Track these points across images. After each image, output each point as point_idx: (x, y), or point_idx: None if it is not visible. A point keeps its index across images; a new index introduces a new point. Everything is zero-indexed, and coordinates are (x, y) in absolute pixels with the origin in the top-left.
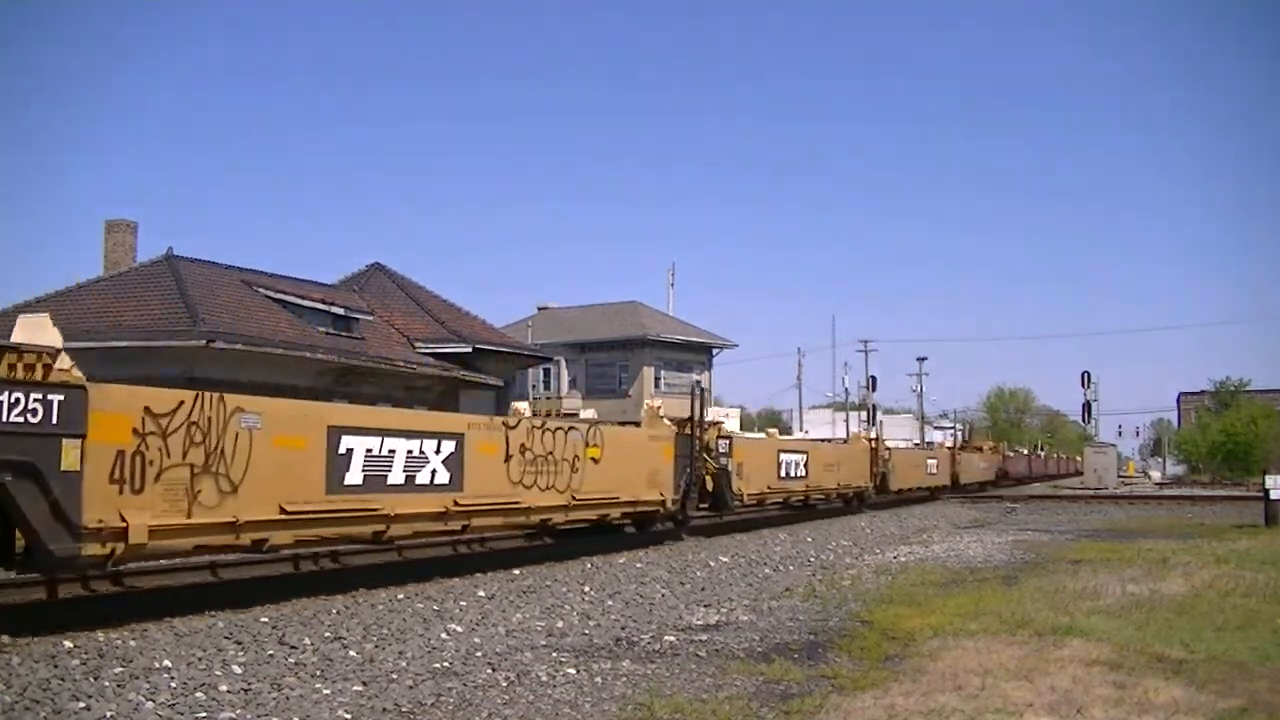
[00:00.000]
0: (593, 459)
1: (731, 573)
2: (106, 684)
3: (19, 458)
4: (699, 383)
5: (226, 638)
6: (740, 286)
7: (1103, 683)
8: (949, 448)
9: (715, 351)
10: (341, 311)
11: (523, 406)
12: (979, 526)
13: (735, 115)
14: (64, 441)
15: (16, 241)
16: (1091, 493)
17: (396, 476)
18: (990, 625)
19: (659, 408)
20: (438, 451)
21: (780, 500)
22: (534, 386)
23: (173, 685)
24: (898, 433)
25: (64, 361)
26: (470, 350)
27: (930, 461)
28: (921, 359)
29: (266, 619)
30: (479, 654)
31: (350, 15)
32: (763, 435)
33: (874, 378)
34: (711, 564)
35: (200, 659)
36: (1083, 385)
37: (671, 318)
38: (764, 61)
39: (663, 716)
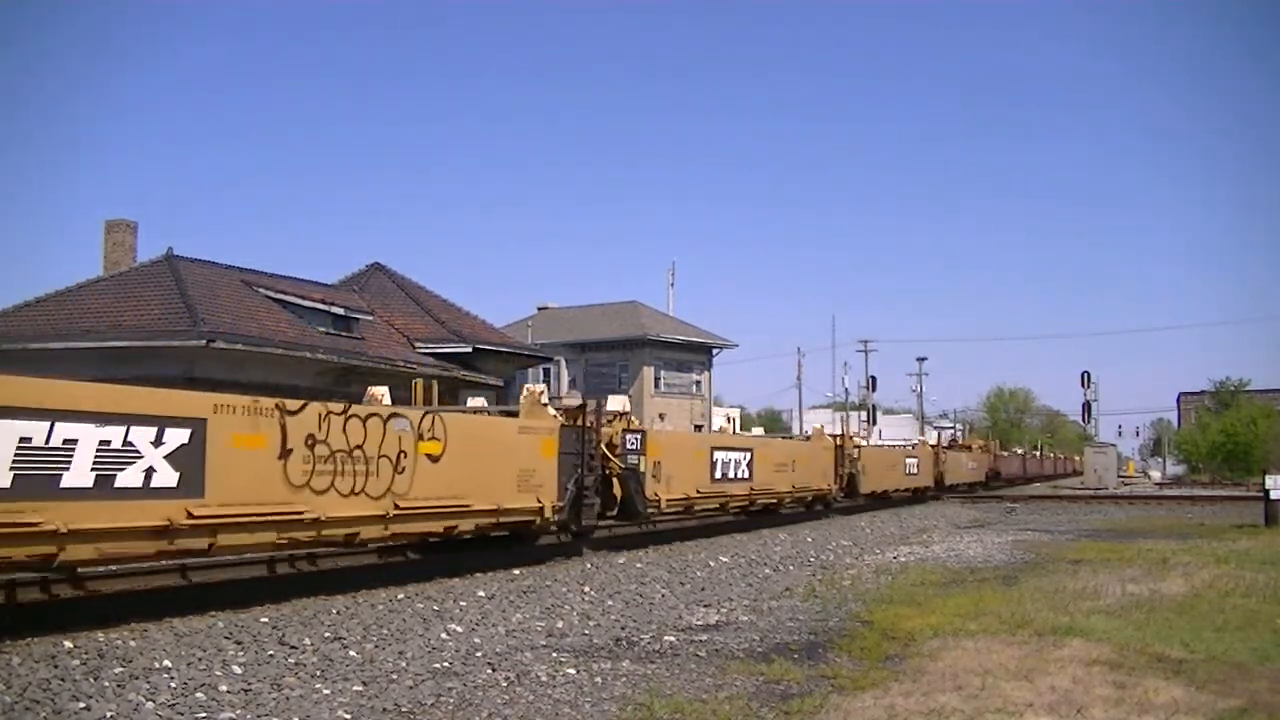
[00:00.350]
0: (428, 456)
1: (731, 573)
2: (106, 684)
3: None
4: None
5: (226, 638)
6: (740, 286)
7: (1103, 683)
8: (932, 446)
9: (715, 351)
10: (341, 311)
11: (380, 391)
12: (979, 526)
13: (735, 115)
14: None
15: (16, 241)
16: (1091, 493)
17: (79, 477)
18: (990, 625)
19: (541, 393)
20: (158, 443)
21: (715, 506)
22: None
23: (173, 685)
24: (898, 433)
25: None
26: (470, 350)
27: (909, 461)
28: (921, 359)
29: (266, 619)
30: (479, 654)
31: (350, 15)
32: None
33: (874, 378)
34: (711, 564)
35: (200, 659)
36: (1083, 385)
37: (671, 318)
38: (764, 61)
39: (663, 716)
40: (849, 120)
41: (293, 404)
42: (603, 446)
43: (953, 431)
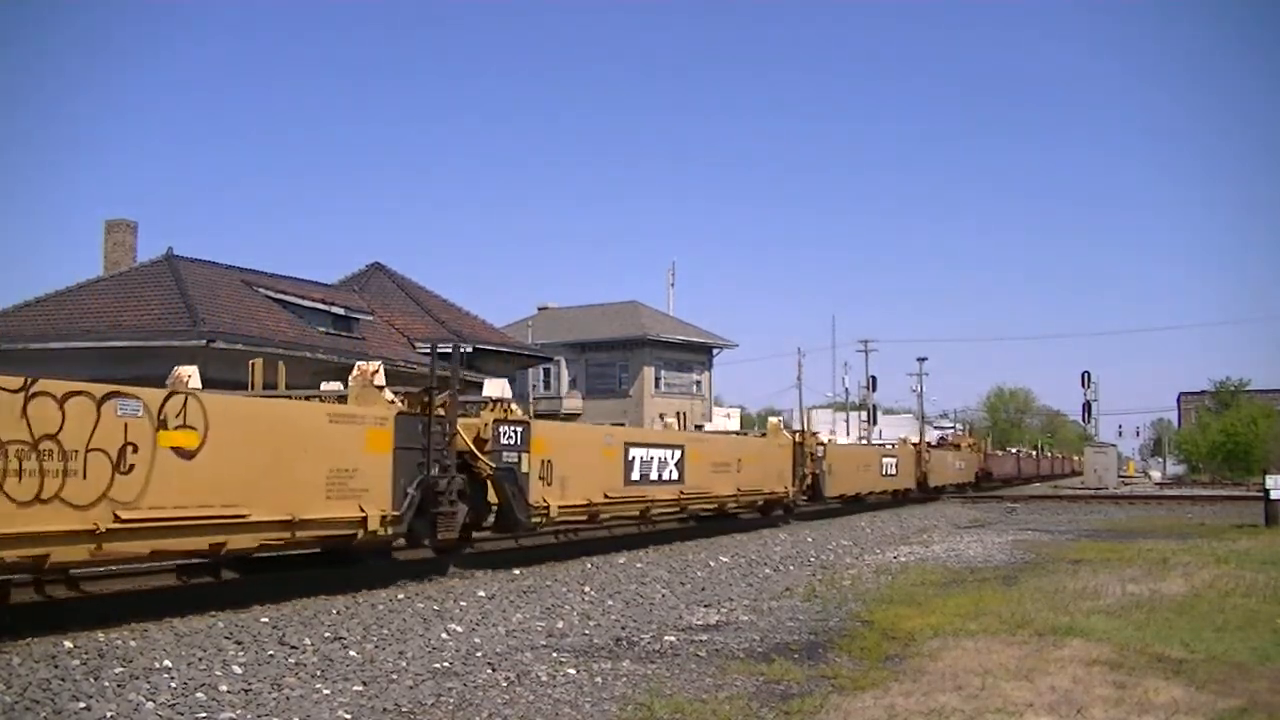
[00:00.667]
0: (177, 450)
1: (731, 573)
2: (106, 684)
3: None
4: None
5: (226, 638)
6: (740, 286)
7: (1103, 683)
8: (914, 444)
9: (715, 351)
10: (341, 311)
11: (187, 371)
12: (979, 526)
13: (736, 115)
14: None
15: (16, 241)
16: (1091, 493)
17: None
18: (990, 625)
19: (375, 372)
20: None
21: (634, 514)
22: (534, 386)
23: (173, 685)
24: (898, 433)
25: None
26: (470, 350)
27: (887, 461)
28: (921, 359)
29: (266, 619)
30: (479, 654)
31: (350, 15)
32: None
33: (874, 378)
34: (711, 564)
35: (200, 659)
36: (1083, 385)
37: (671, 318)
38: (764, 61)
39: (663, 716)
40: (849, 120)
41: None
42: (467, 441)
43: (954, 429)
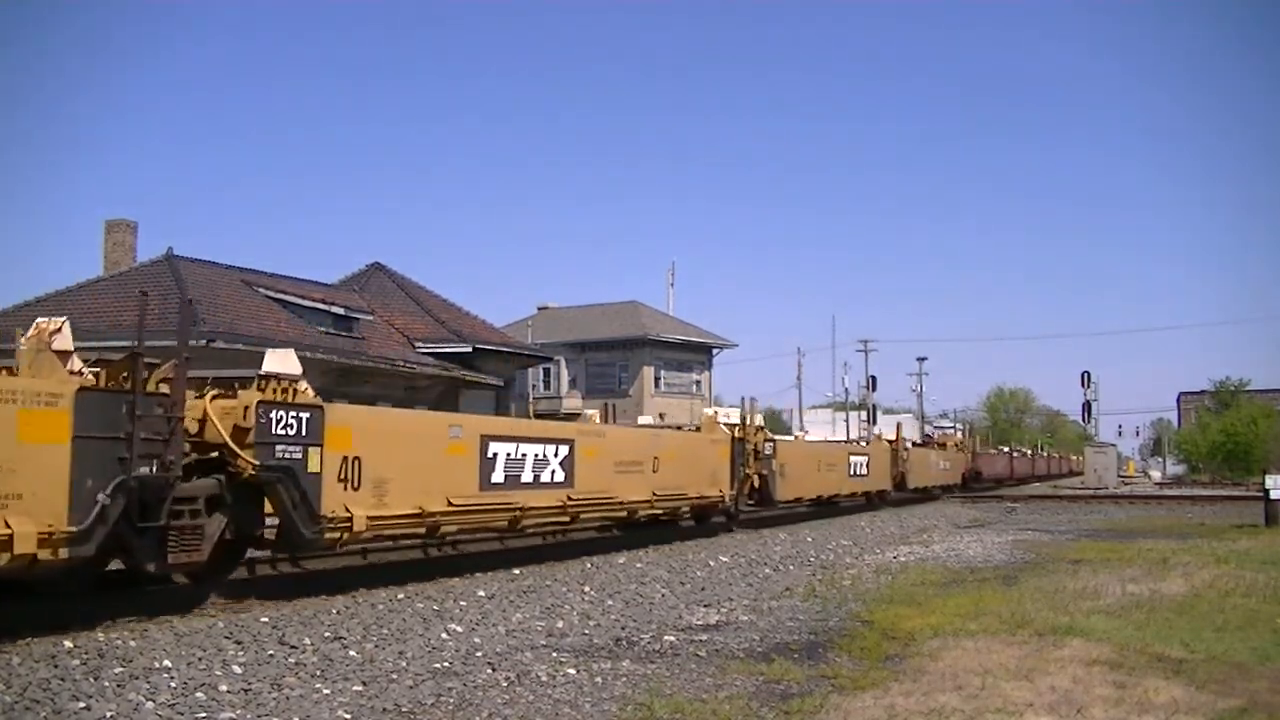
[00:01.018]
0: None
1: (731, 573)
2: (106, 684)
3: None
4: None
5: (226, 638)
6: (740, 286)
7: (1103, 682)
8: (890, 441)
9: (715, 351)
10: (341, 311)
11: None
12: (979, 526)
13: (735, 115)
14: None
15: (16, 241)
16: (1091, 493)
17: None
18: (990, 625)
19: (55, 331)
20: None
21: (499, 525)
22: (534, 386)
23: (173, 685)
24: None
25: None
26: (470, 350)
27: (856, 460)
28: (921, 359)
29: (266, 619)
30: (479, 654)
31: (350, 15)
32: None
33: (874, 378)
34: (711, 564)
35: (200, 659)
36: (1083, 385)
37: (671, 317)
38: (764, 61)
39: (663, 716)
40: (849, 120)
41: None
42: (221, 430)
43: (953, 429)
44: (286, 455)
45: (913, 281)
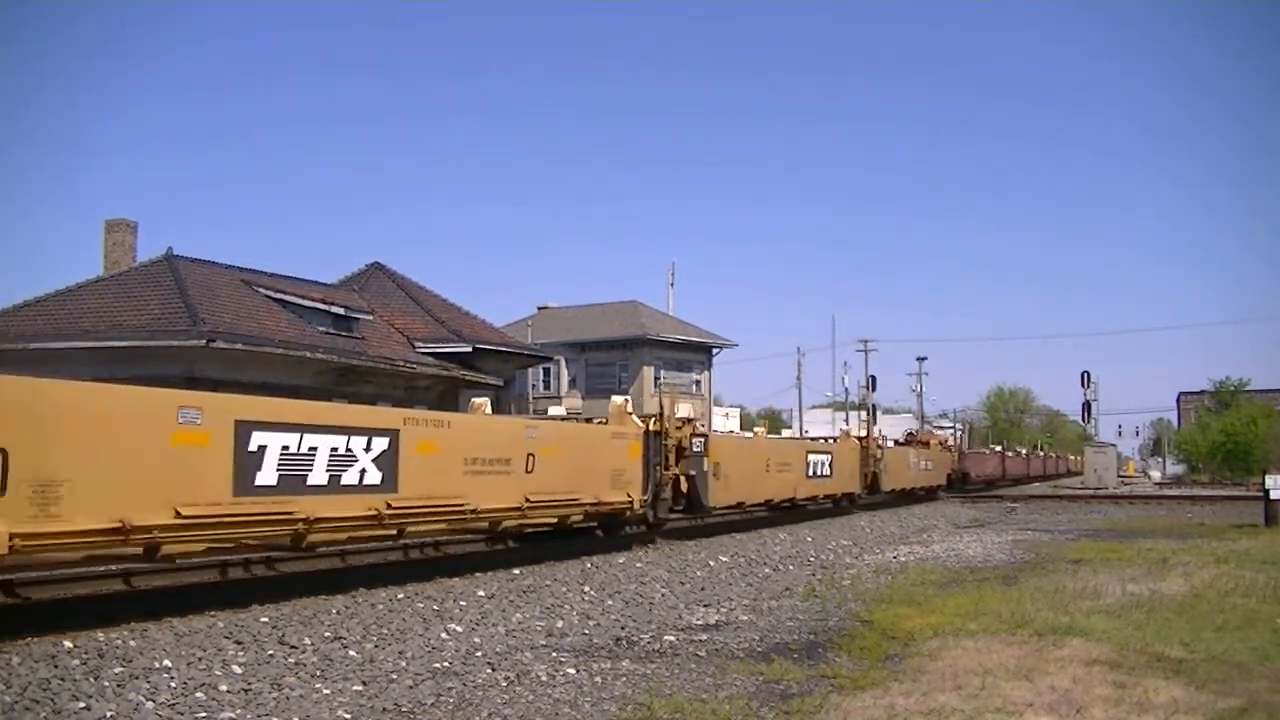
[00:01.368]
0: None
1: (731, 572)
2: (106, 684)
3: None
4: None
5: (226, 638)
6: (740, 286)
7: (1103, 682)
8: (859, 438)
9: (715, 351)
10: (341, 311)
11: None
12: (979, 526)
13: (735, 115)
14: None
15: (16, 241)
16: (1091, 492)
17: None
18: (990, 625)
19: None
20: None
21: (277, 544)
22: (534, 386)
23: (173, 685)
24: (899, 432)
25: None
26: (470, 350)
27: (817, 459)
28: (921, 359)
29: (266, 619)
30: (479, 654)
31: (350, 15)
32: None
33: (874, 378)
34: (711, 564)
35: (200, 659)
36: (1083, 385)
37: (671, 317)
38: (764, 61)
39: (663, 716)
40: (849, 120)
41: None
42: None
43: (953, 430)
44: None
45: (913, 281)
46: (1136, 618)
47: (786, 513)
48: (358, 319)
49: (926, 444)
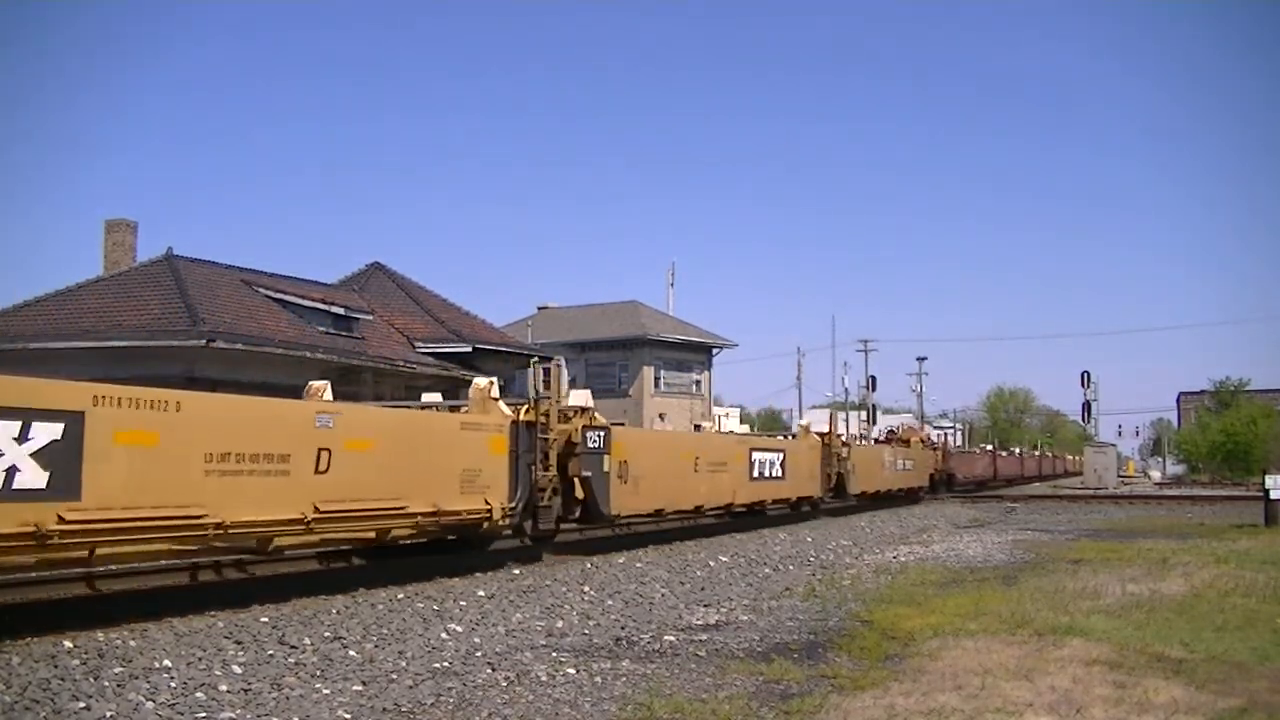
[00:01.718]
0: None
1: (731, 572)
2: (106, 684)
3: None
4: None
5: (226, 638)
6: (740, 286)
7: (1103, 682)
8: (820, 435)
9: (715, 351)
10: (341, 311)
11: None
12: (979, 526)
13: (735, 115)
14: None
15: (16, 241)
16: (1091, 493)
17: None
18: (990, 625)
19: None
20: None
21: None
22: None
23: (173, 685)
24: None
25: None
26: (470, 350)
27: (764, 458)
28: (921, 359)
29: (266, 619)
30: (479, 654)
31: (350, 15)
32: None
33: (874, 378)
34: (711, 564)
35: (200, 659)
36: (1083, 385)
37: (671, 317)
38: (764, 61)
39: (663, 716)
40: (849, 120)
41: None
42: None
43: (953, 430)
44: None
45: (913, 281)
46: (1136, 618)
47: (735, 519)
48: (358, 319)
49: (907, 442)
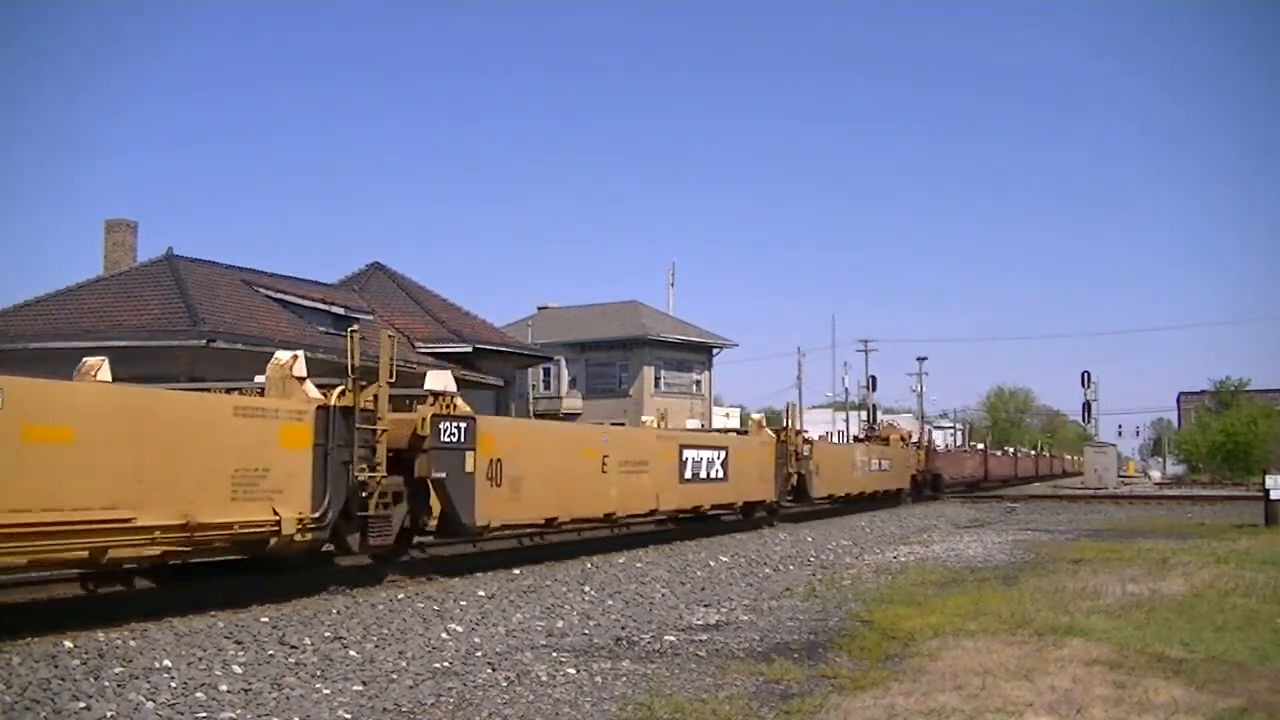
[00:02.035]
0: None
1: (731, 572)
2: (106, 684)
3: None
4: None
5: (226, 638)
6: (740, 286)
7: (1103, 682)
8: (776, 431)
9: (715, 351)
10: (341, 311)
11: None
12: (979, 526)
13: (736, 115)
14: None
15: (16, 241)
16: (1091, 493)
17: None
18: (990, 625)
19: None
20: None
21: None
22: (534, 386)
23: (173, 685)
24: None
25: None
26: (470, 350)
27: (697, 456)
28: (921, 359)
29: (266, 619)
30: (479, 654)
31: (350, 15)
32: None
33: (874, 378)
34: (711, 564)
35: (200, 659)
36: (1083, 385)
37: (671, 317)
38: (764, 61)
39: (663, 716)
40: (849, 120)
41: None
42: None
43: (953, 430)
44: None
45: (913, 281)
46: (1136, 618)
47: (686, 524)
48: (358, 319)
49: (886, 440)
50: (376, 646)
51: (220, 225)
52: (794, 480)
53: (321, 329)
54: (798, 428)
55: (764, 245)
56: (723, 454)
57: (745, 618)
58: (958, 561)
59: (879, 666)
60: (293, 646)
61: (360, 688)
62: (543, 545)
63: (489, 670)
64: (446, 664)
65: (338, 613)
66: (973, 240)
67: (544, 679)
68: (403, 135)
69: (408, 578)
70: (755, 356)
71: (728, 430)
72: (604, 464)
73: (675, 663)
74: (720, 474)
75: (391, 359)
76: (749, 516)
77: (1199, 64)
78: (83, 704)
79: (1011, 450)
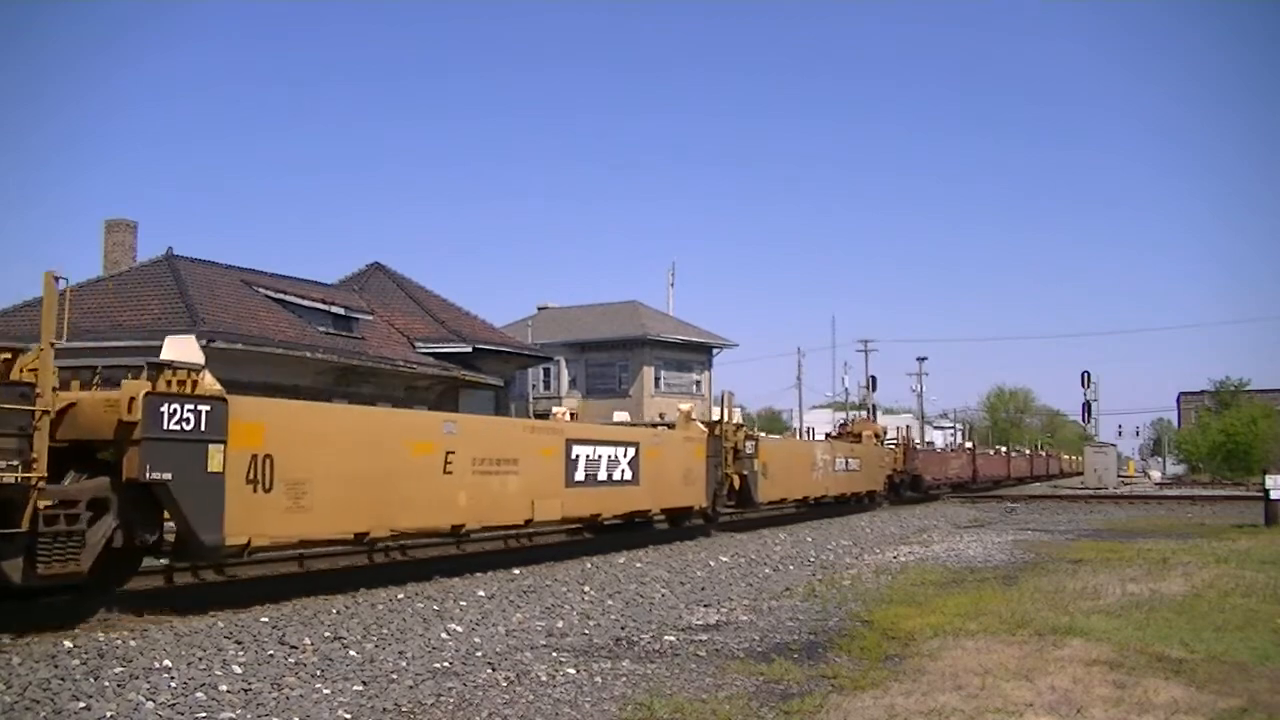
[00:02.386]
0: None
1: (731, 573)
2: (106, 684)
3: None
4: None
5: (226, 638)
6: (740, 286)
7: (1103, 682)
8: (708, 424)
9: (715, 351)
10: (341, 311)
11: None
12: (979, 526)
13: (736, 115)
14: None
15: (16, 241)
16: (1091, 493)
17: None
18: (990, 625)
19: None
20: None
21: None
22: (534, 386)
23: (173, 685)
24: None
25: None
26: (470, 350)
27: (593, 454)
28: (921, 359)
29: (266, 619)
30: (479, 654)
31: (350, 15)
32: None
33: (874, 378)
34: (711, 564)
35: (200, 659)
36: (1083, 385)
37: (671, 317)
38: (764, 61)
39: (663, 716)
40: (848, 120)
41: None
42: None
43: (954, 430)
44: None
45: (913, 281)
46: (1136, 618)
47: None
48: (358, 319)
49: (858, 437)
50: (376, 646)
51: (220, 225)
52: (734, 482)
53: (321, 329)
54: (737, 421)
55: (764, 245)
56: (630, 451)
57: (745, 618)
58: (958, 561)
59: (879, 666)
60: (293, 646)
61: (360, 688)
62: (542, 546)
63: (489, 670)
64: (446, 664)
65: (338, 613)
66: (973, 240)
67: (544, 679)
68: (403, 135)
69: (134, 614)
70: (755, 356)
71: (656, 425)
72: (447, 462)
73: (675, 663)
74: (628, 476)
75: (56, 312)
76: (677, 525)
77: (1199, 64)
78: (83, 704)
79: (1004, 449)
